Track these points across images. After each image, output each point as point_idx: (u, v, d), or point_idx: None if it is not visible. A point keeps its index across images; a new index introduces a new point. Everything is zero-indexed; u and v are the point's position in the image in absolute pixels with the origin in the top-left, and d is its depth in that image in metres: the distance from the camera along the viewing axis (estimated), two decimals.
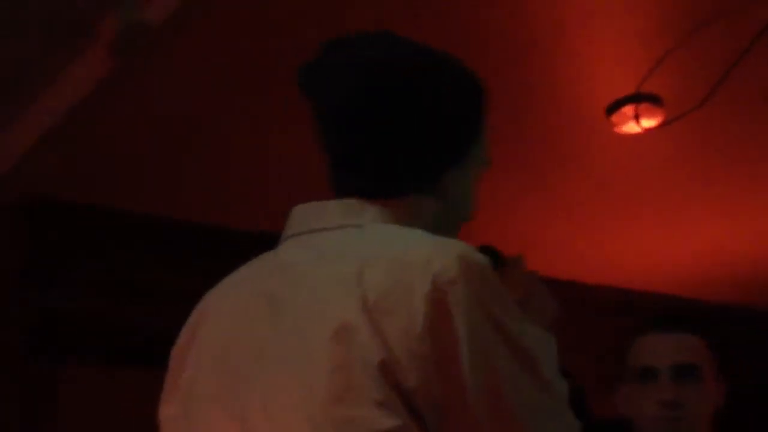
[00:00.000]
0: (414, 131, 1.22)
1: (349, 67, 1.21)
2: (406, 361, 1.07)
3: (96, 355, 2.94)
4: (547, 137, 2.87)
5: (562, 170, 3.06)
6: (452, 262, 1.08)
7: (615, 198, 3.22)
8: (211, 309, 1.27)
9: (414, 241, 1.15)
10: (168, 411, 1.24)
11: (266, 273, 1.23)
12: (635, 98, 2.63)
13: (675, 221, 3.39)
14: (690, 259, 3.63)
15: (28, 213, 2.92)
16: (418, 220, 1.21)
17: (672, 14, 2.41)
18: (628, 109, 2.66)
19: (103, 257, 2.95)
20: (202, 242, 3.10)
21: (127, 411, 2.73)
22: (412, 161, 1.22)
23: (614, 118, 2.68)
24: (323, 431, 1.08)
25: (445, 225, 1.26)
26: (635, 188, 3.15)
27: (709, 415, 1.88)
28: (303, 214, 1.23)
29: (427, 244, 1.14)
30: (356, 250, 1.16)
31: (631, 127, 2.69)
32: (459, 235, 1.25)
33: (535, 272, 1.42)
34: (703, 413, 1.86)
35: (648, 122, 2.66)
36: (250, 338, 1.19)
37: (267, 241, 1.26)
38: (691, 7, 2.37)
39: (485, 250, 1.33)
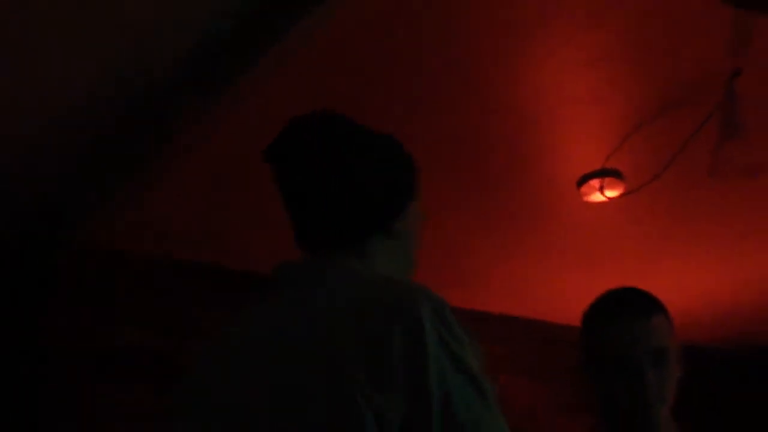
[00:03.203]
0: (356, 199, 1.37)
1: (303, 156, 1.38)
2: (385, 383, 1.16)
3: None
4: (527, 204, 3.11)
5: (540, 231, 3.30)
6: (420, 310, 1.20)
7: (583, 254, 3.47)
8: (212, 357, 1.38)
9: (383, 289, 1.26)
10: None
11: (252, 340, 1.32)
12: (600, 173, 2.88)
13: (633, 274, 3.52)
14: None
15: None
16: (372, 260, 1.37)
17: (631, 103, 2.63)
18: (595, 182, 2.90)
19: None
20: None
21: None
22: (362, 219, 1.37)
23: (583, 189, 2.92)
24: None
25: (396, 265, 1.41)
26: (601, 247, 3.41)
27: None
28: (290, 270, 1.37)
29: (394, 292, 1.25)
30: (335, 305, 1.26)
31: (598, 198, 2.94)
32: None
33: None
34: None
35: (611, 193, 2.91)
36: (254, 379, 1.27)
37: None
38: (645, 98, 2.61)
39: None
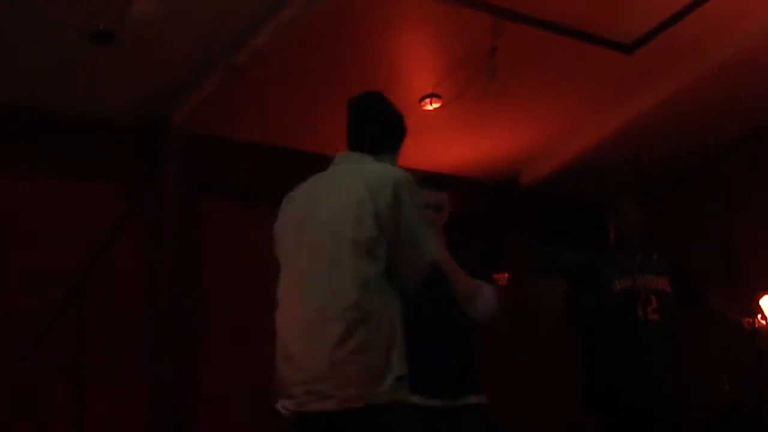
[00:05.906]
0: (383, 131, 2.42)
1: (362, 108, 2.45)
2: (384, 214, 2.14)
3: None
4: None
5: None
6: (400, 178, 2.19)
7: (422, 134, 4.90)
8: (293, 199, 2.35)
9: (386, 168, 2.26)
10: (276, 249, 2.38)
11: (323, 182, 2.32)
12: (430, 95, 4.87)
13: (448, 142, 5.76)
14: (454, 159, 6.06)
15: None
16: (388, 161, 2.37)
17: (447, 59, 4.61)
18: (427, 99, 4.90)
19: None
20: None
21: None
22: (385, 142, 2.41)
23: (422, 103, 4.95)
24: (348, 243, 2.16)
25: (393, 164, 2.41)
26: (431, 130, 5.38)
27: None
28: (342, 156, 2.42)
29: (391, 169, 2.25)
30: (364, 171, 2.23)
31: (429, 107, 4.96)
32: None
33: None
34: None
35: (436, 105, 4.96)
36: (314, 209, 2.24)
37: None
38: (454, 58, 4.59)
39: (426, 175, 2.89)
